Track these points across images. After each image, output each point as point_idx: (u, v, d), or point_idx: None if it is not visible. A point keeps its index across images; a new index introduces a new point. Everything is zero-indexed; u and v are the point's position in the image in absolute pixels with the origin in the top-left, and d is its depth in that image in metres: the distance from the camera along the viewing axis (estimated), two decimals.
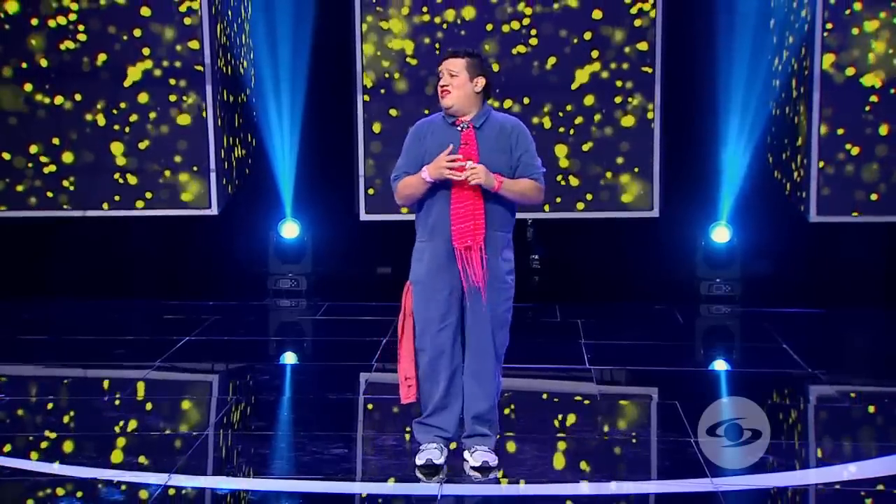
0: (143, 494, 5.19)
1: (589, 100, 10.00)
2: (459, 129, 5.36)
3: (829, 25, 9.40)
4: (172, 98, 9.91)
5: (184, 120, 9.95)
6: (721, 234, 10.17)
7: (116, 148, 9.98)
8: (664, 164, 10.09)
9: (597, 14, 9.90)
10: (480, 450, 5.48)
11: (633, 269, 10.64)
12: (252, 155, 10.89)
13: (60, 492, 5.29)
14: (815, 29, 9.43)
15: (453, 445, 5.57)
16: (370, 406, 6.86)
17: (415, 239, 5.49)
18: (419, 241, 5.45)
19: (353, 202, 10.30)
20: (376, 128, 10.02)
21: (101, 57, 9.88)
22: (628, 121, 10.00)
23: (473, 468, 5.46)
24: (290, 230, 10.49)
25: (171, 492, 5.26)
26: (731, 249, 10.18)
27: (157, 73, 9.89)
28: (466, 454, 5.52)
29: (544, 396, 7.13)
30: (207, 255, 10.86)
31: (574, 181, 10.08)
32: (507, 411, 6.62)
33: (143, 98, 9.93)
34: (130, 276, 11.02)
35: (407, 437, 5.83)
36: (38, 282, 10.51)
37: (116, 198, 10.02)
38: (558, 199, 10.06)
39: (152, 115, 9.93)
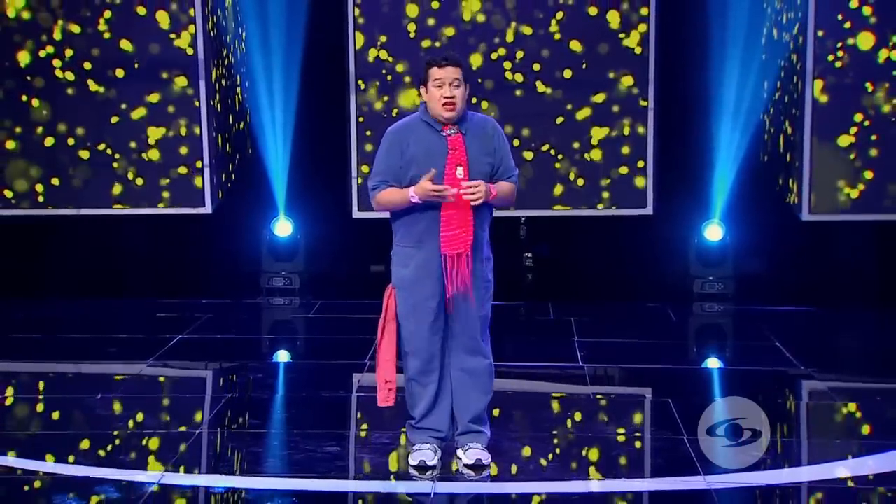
0: (136, 492, 5.19)
1: (582, 97, 10.02)
2: (446, 135, 5.35)
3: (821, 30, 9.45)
4: (164, 91, 9.94)
5: (177, 118, 9.96)
6: (714, 232, 10.18)
7: (108, 148, 10.01)
8: (657, 161, 10.11)
9: (592, 10, 9.94)
10: (474, 448, 5.49)
11: (627, 267, 10.65)
12: (245, 151, 10.90)
13: (53, 490, 5.29)
14: (807, 21, 9.45)
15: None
16: (363, 404, 6.86)
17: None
18: (403, 246, 5.41)
19: (346, 200, 10.29)
20: (369, 126, 10.01)
21: (94, 51, 9.90)
22: (623, 121, 10.04)
23: (467, 466, 5.47)
24: (283, 228, 10.48)
25: (164, 490, 5.25)
26: (723, 247, 10.19)
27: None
28: (460, 452, 5.53)
29: (537, 395, 7.13)
30: (201, 253, 10.84)
31: (571, 180, 10.11)
32: (499, 410, 6.63)
33: (134, 94, 9.95)
34: (124, 274, 11.00)
35: (402, 435, 5.83)
36: (31, 281, 10.49)
37: (116, 197, 10.03)
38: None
39: (142, 112, 9.96)
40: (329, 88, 10.41)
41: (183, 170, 9.99)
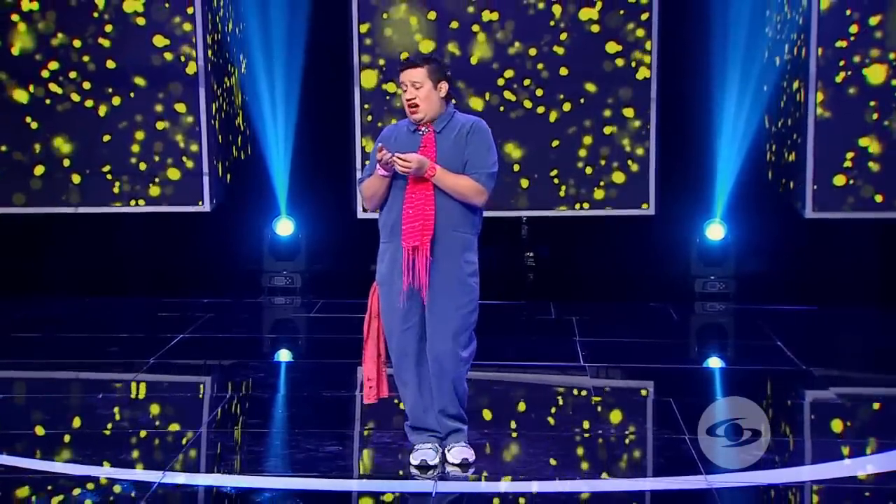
0: (138, 492, 5.19)
1: (585, 96, 10.03)
2: (420, 133, 5.36)
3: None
4: (162, 99, 9.95)
5: (179, 119, 9.98)
6: (715, 231, 10.18)
7: (107, 147, 10.03)
8: (659, 161, 10.11)
9: (593, 15, 9.96)
10: (457, 447, 5.49)
11: (628, 267, 10.64)
12: (246, 153, 10.91)
13: (54, 490, 5.28)
14: (810, 21, 9.46)
15: None
16: (365, 404, 6.84)
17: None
18: (382, 242, 5.46)
19: (347, 199, 10.29)
20: (372, 125, 10.02)
21: (90, 66, 9.94)
22: (624, 118, 10.05)
23: (453, 465, 5.47)
24: (284, 227, 10.49)
25: (166, 489, 5.25)
26: (725, 247, 10.19)
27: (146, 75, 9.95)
28: (446, 451, 5.52)
29: (538, 394, 7.12)
30: (202, 252, 10.84)
31: (570, 178, 10.13)
32: (500, 409, 6.63)
33: (135, 98, 9.97)
34: (124, 273, 11.00)
35: (402, 434, 5.82)
36: (31, 279, 10.48)
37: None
38: (563, 206, 10.10)
39: (139, 117, 9.98)
40: (332, 87, 10.41)
41: (178, 170, 10.00)
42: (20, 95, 9.94)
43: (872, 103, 9.53)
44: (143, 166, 10.00)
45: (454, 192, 5.29)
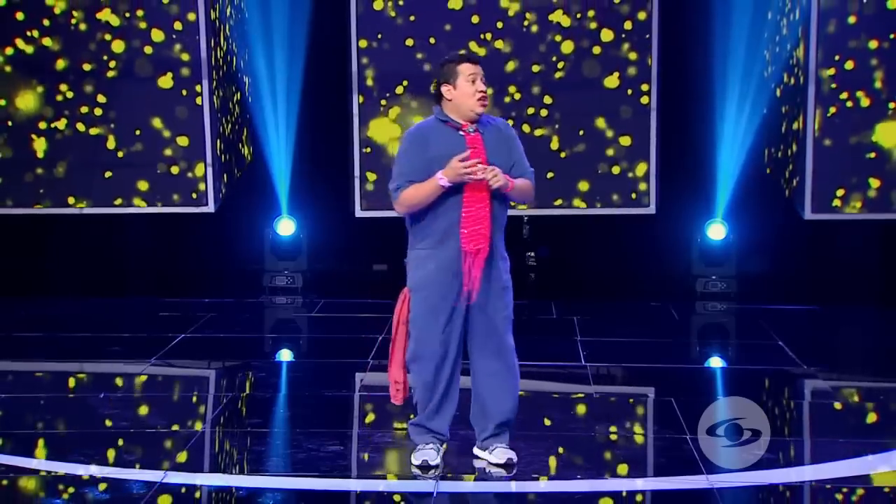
0: (139, 491, 5.19)
1: (584, 93, 10.05)
2: (464, 133, 5.32)
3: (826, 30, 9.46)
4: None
5: (181, 114, 9.98)
6: (717, 231, 10.19)
7: (110, 143, 10.03)
8: (660, 160, 10.11)
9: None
10: (500, 447, 5.49)
11: (630, 266, 10.65)
12: (248, 151, 10.91)
13: (56, 489, 5.29)
14: (809, 27, 9.46)
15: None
16: (366, 403, 6.86)
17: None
18: (420, 248, 5.35)
19: (348, 199, 10.30)
20: (372, 125, 10.02)
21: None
22: (626, 113, 10.04)
23: (497, 465, 5.46)
24: (286, 227, 10.49)
25: (167, 489, 5.26)
26: (726, 246, 10.19)
27: (155, 73, 9.95)
28: (486, 454, 5.51)
29: (540, 394, 7.12)
30: (203, 252, 10.86)
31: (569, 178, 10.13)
32: None
33: (138, 94, 9.98)
34: (126, 273, 11.01)
35: (403, 434, 5.83)
36: (33, 279, 10.50)
37: (117, 200, 10.06)
38: (558, 202, 10.10)
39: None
40: (332, 87, 10.42)
41: (179, 168, 10.01)
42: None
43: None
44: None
45: (521, 196, 5.44)
